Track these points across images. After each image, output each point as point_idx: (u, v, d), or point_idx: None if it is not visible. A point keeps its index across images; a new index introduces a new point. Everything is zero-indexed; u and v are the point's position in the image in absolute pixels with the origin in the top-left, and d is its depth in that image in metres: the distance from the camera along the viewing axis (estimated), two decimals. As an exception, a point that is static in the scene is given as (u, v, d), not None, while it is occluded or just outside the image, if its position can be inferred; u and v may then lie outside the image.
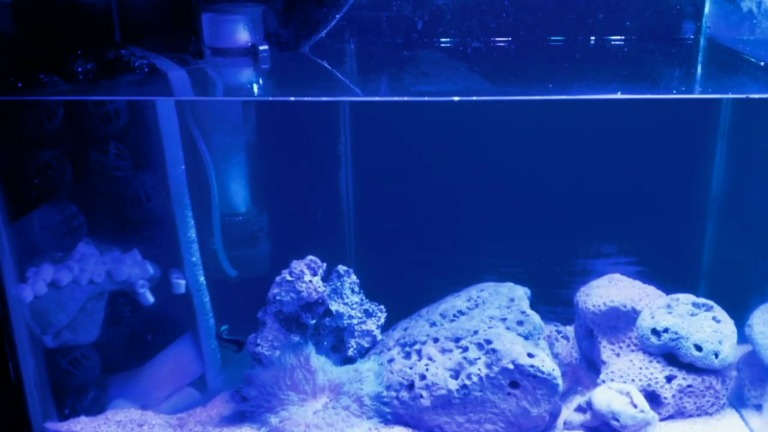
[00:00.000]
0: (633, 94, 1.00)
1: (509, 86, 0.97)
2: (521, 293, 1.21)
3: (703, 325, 1.16)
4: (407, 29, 0.91)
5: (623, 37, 1.15)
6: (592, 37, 1.13)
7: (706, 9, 1.33)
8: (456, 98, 0.90)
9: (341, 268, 1.24)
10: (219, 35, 1.18)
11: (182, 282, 1.20)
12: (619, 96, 0.90)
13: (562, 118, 1.15)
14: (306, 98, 1.06)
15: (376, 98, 1.08)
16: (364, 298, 1.24)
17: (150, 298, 1.18)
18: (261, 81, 1.16)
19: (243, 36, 1.18)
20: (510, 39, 1.01)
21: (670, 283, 1.25)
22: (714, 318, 1.17)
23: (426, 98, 0.99)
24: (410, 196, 1.30)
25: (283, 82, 1.18)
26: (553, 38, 1.09)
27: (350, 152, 1.31)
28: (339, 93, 1.09)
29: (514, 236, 1.32)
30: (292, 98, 1.08)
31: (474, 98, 0.92)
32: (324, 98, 1.08)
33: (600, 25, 1.12)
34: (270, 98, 1.17)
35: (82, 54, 1.11)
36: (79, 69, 1.09)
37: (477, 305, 1.22)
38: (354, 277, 1.24)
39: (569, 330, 1.30)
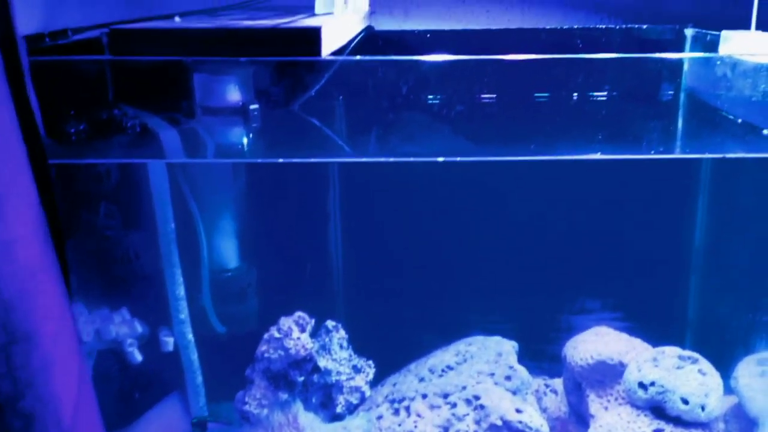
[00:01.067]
0: (613, 154, 1.02)
1: (492, 147, 1.00)
2: (509, 348, 1.22)
3: (689, 378, 1.16)
4: (392, 93, 0.94)
5: (605, 94, 1.19)
6: (575, 94, 1.16)
7: (685, 66, 1.37)
8: (440, 159, 0.93)
9: (330, 323, 1.24)
10: (210, 95, 1.20)
11: (170, 340, 1.20)
12: (598, 156, 0.93)
13: (546, 177, 1.18)
14: (293, 159, 1.08)
15: (362, 159, 1.11)
16: (352, 353, 1.24)
17: (138, 357, 1.18)
18: (251, 140, 1.18)
19: (234, 95, 1.20)
20: (494, 97, 1.04)
21: (657, 336, 1.26)
22: (700, 371, 1.17)
23: (411, 159, 1.02)
24: (398, 253, 1.32)
25: (272, 141, 1.20)
26: (537, 95, 1.11)
27: (339, 209, 1.33)
28: (327, 153, 1.11)
29: (501, 292, 1.33)
30: (280, 160, 1.10)
31: (458, 159, 0.94)
32: (311, 159, 1.10)
33: (583, 82, 1.15)
34: (259, 160, 1.19)
35: (74, 115, 1.13)
36: (72, 130, 1.10)
37: (465, 360, 1.23)
38: (343, 333, 1.25)
39: (558, 383, 1.31)
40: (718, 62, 1.18)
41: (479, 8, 1.63)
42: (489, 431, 1.09)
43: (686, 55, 1.27)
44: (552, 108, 1.11)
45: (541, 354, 1.31)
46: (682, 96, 1.28)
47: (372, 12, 1.50)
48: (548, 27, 1.39)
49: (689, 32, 1.36)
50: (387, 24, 1.63)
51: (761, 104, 1.04)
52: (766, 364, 1.07)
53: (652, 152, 1.02)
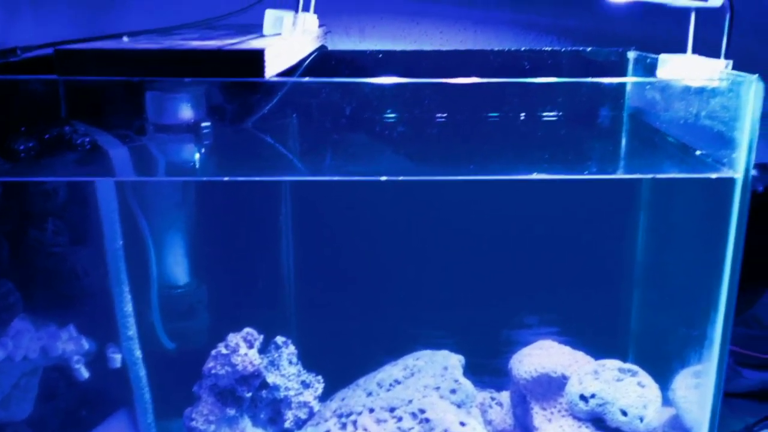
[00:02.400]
0: (553, 175, 1.06)
1: (434, 167, 1.03)
2: (455, 361, 1.24)
3: (628, 391, 1.20)
4: (336, 114, 0.96)
5: (550, 115, 1.22)
6: (520, 116, 1.20)
7: (627, 89, 1.42)
8: (383, 178, 0.95)
9: (279, 339, 1.25)
10: (162, 112, 1.21)
11: (118, 356, 1.20)
12: (534, 177, 0.96)
13: (489, 196, 1.21)
14: (240, 178, 1.10)
15: (308, 178, 1.13)
16: (301, 369, 1.26)
17: (85, 374, 1.18)
18: (202, 158, 1.19)
19: (186, 113, 1.20)
20: (439, 119, 1.07)
21: (599, 349, 1.30)
22: (639, 383, 1.21)
23: (355, 178, 1.04)
24: (348, 270, 1.34)
25: (223, 159, 1.21)
26: (482, 117, 1.15)
27: (291, 225, 1.35)
28: (277, 171, 1.13)
29: (450, 308, 1.36)
30: (226, 178, 1.12)
31: (400, 178, 0.97)
32: (256, 178, 1.12)
33: (528, 105, 1.19)
34: (206, 179, 1.21)
35: (25, 131, 1.13)
36: (21, 147, 1.11)
37: (413, 374, 1.25)
38: (292, 348, 1.26)
39: (504, 396, 1.34)
40: (655, 85, 1.23)
41: (433, 29, 1.68)
42: (434, 444, 1.11)
43: (625, 79, 1.32)
44: (496, 130, 1.14)
45: (489, 368, 1.34)
46: (624, 117, 1.33)
47: (327, 32, 1.53)
48: (497, 49, 1.43)
49: (631, 55, 1.41)
50: (343, 44, 1.66)
51: (693, 125, 1.09)
52: (701, 376, 1.11)
53: (586, 173, 1.06)
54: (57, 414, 1.19)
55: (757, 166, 1.53)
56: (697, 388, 1.12)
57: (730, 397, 1.53)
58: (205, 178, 1.21)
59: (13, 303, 1.12)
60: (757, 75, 0.93)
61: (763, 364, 1.52)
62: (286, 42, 1.08)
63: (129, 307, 1.19)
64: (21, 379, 1.14)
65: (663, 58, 1.20)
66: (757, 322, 1.57)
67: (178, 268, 1.30)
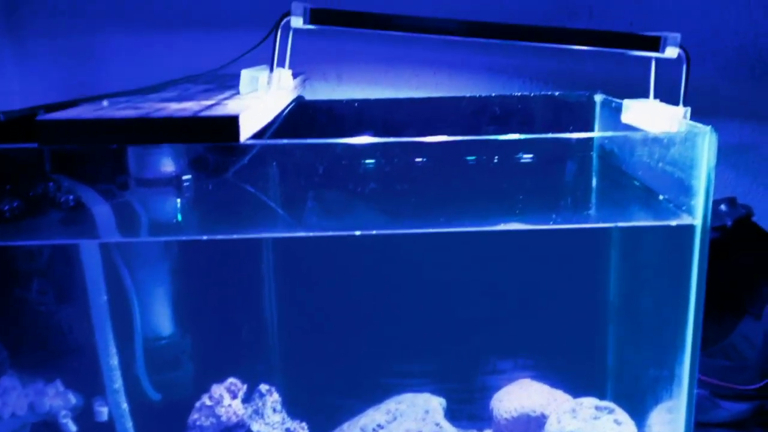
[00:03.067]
0: (520, 224, 1.10)
1: (407, 221, 1.06)
2: (436, 404, 1.27)
3: (605, 428, 1.23)
4: (310, 173, 1.00)
5: (528, 160, 1.26)
6: (496, 157, 1.23)
7: (596, 129, 1.47)
8: (357, 233, 0.99)
9: (263, 387, 1.28)
10: (143, 166, 1.23)
11: (105, 410, 1.22)
12: (503, 228, 1.00)
13: (463, 246, 1.25)
14: (219, 236, 1.13)
15: (279, 235, 1.16)
16: (286, 416, 1.28)
17: (72, 428, 1.20)
18: (183, 212, 1.22)
19: (167, 167, 1.23)
20: (409, 176, 1.10)
21: (578, 387, 1.33)
22: (615, 420, 1.24)
23: (330, 233, 1.08)
24: (330, 319, 1.37)
25: (204, 212, 1.24)
26: (451, 174, 1.18)
27: (273, 277, 1.38)
28: (254, 227, 1.16)
29: (431, 353, 1.39)
30: (204, 237, 1.15)
31: (374, 232, 1.00)
32: (235, 236, 1.15)
33: (494, 160, 1.22)
34: (186, 238, 1.24)
35: (9, 190, 1.16)
36: (6, 207, 1.13)
37: (395, 418, 1.27)
38: (276, 396, 1.28)
39: (486, 436, 1.36)
40: (623, 134, 1.28)
41: (409, 72, 1.73)
42: (416, 488, 1.13)
43: (589, 134, 1.36)
44: (465, 185, 1.18)
45: (469, 411, 1.37)
46: (594, 158, 1.37)
47: (306, 79, 1.57)
48: (469, 95, 1.48)
49: (598, 98, 1.46)
50: (321, 89, 1.71)
51: (656, 171, 1.13)
52: (673, 412, 1.14)
53: (552, 223, 1.10)
54: (45, 470, 1.20)
55: (726, 201, 1.58)
56: (670, 423, 1.14)
57: (709, 428, 1.56)
58: (186, 238, 1.24)
59: (1, 362, 1.14)
60: (710, 127, 0.97)
61: (740, 395, 1.55)
62: (262, 101, 1.12)
63: (115, 361, 1.22)
64: (8, 436, 1.16)
65: (626, 103, 1.25)
66: (735, 351, 1.60)
67: (162, 320, 1.32)
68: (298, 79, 1.45)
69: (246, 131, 0.98)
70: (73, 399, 1.20)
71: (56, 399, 1.19)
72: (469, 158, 1.04)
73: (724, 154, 0.97)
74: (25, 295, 1.15)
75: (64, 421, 1.19)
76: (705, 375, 1.55)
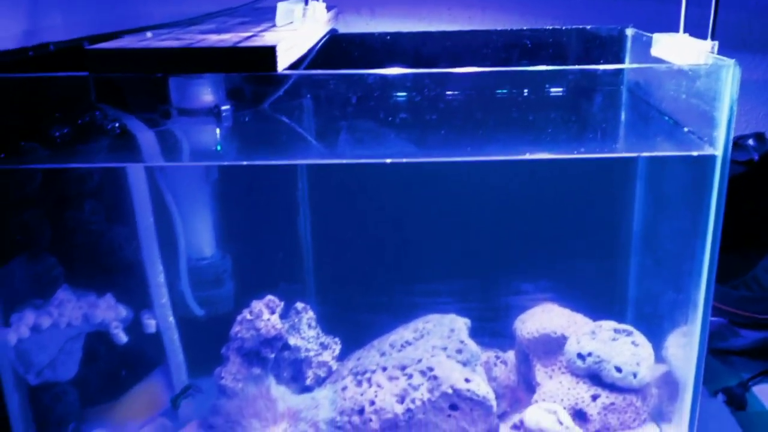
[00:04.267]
0: (548, 154, 1.14)
1: (436, 149, 1.11)
2: (461, 324, 1.34)
3: (622, 349, 1.29)
4: (343, 103, 1.05)
5: (558, 92, 1.29)
6: (525, 89, 1.27)
7: (626, 70, 1.47)
8: (388, 160, 1.04)
9: (299, 305, 1.36)
10: (184, 97, 1.29)
11: (153, 322, 1.31)
12: (531, 157, 1.04)
13: (491, 173, 1.30)
14: (260, 162, 1.19)
15: (316, 161, 1.21)
16: (320, 332, 1.36)
17: (123, 338, 1.30)
18: (223, 140, 1.28)
19: (207, 97, 1.28)
20: (440, 106, 1.14)
21: (600, 312, 1.38)
22: (633, 342, 1.30)
23: (362, 161, 1.13)
24: (362, 242, 1.43)
25: (243, 140, 1.30)
26: (482, 103, 1.21)
27: (308, 201, 1.44)
28: (291, 153, 1.21)
29: (459, 275, 1.45)
30: (245, 163, 1.21)
31: (404, 160, 1.05)
32: (274, 161, 1.21)
33: (522, 91, 1.25)
34: (227, 163, 1.30)
35: (59, 118, 1.22)
36: (56, 134, 1.20)
37: (422, 336, 1.35)
38: (311, 314, 1.37)
39: (509, 356, 1.43)
40: (651, 66, 1.29)
41: (442, 6, 1.73)
42: (441, 399, 1.21)
43: (620, 66, 1.37)
44: (494, 115, 1.21)
45: (494, 330, 1.44)
46: (623, 92, 1.39)
47: (339, 13, 1.60)
48: (500, 29, 1.49)
49: (630, 32, 1.47)
50: (354, 23, 1.72)
51: (682, 104, 1.15)
52: (689, 335, 1.19)
53: (576, 153, 1.13)
54: (99, 375, 1.30)
55: (753, 136, 1.59)
56: (685, 346, 1.20)
57: (728, 355, 1.61)
58: (226, 163, 1.30)
59: (56, 276, 1.23)
60: (734, 60, 0.99)
61: (759, 323, 1.59)
62: (297, 32, 1.16)
63: (161, 278, 1.30)
64: (66, 344, 1.25)
65: (656, 37, 1.26)
66: (757, 283, 1.64)
67: (204, 241, 1.40)
68: (332, 12, 1.48)
69: (283, 62, 1.02)
70: (123, 311, 1.30)
71: (108, 311, 1.28)
72: (498, 89, 1.07)
73: (753, 90, 0.99)
74: (78, 216, 1.23)
75: (116, 331, 1.29)
76: (725, 304, 1.60)
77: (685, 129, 1.16)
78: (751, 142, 1.56)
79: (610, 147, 1.25)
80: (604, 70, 1.12)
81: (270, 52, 0.97)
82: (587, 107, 1.30)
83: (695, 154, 1.08)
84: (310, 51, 1.27)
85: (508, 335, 1.43)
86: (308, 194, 1.43)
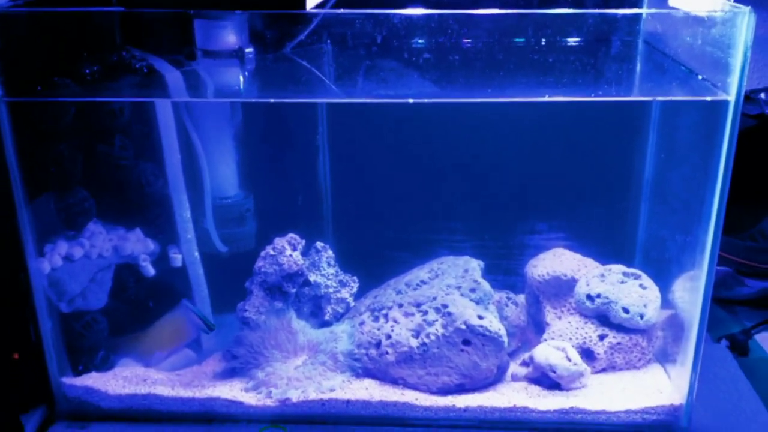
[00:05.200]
0: (562, 96, 1.17)
1: (455, 90, 1.14)
2: (474, 265, 1.38)
3: (630, 292, 1.34)
4: (369, 42, 1.08)
5: (576, 39, 1.32)
6: (540, 44, 1.29)
7: (643, 17, 1.49)
8: (411, 100, 1.07)
9: (319, 244, 1.41)
10: (209, 39, 1.32)
11: (179, 256, 1.37)
12: (546, 99, 1.07)
13: (505, 114, 1.33)
14: (283, 100, 1.22)
15: (339, 100, 1.24)
16: (339, 270, 1.41)
17: (151, 271, 1.35)
18: (246, 81, 1.31)
19: (230, 39, 1.32)
20: (461, 47, 1.17)
21: (609, 256, 1.43)
22: (641, 285, 1.35)
23: (386, 100, 1.16)
24: (379, 183, 1.47)
25: (265, 81, 1.34)
26: (503, 46, 1.24)
27: (327, 143, 1.48)
28: (308, 95, 1.25)
29: (473, 216, 1.49)
30: (272, 100, 1.24)
31: (425, 100, 1.08)
32: (297, 99, 1.24)
33: (547, 34, 1.28)
34: (252, 100, 1.33)
35: (87, 57, 1.26)
36: (87, 71, 1.24)
37: (437, 275, 1.40)
38: (330, 252, 1.42)
39: (520, 298, 1.48)
40: (666, 15, 1.32)
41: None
42: (454, 334, 1.26)
43: (637, 10, 1.39)
44: (516, 55, 1.24)
45: (508, 272, 1.48)
46: (639, 43, 1.41)
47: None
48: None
49: (648, -19, 1.48)
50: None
51: (697, 52, 1.18)
52: (695, 280, 1.23)
53: (593, 95, 1.17)
54: (127, 305, 1.36)
55: (765, 90, 1.61)
56: (691, 290, 1.24)
57: (732, 304, 1.66)
58: (249, 100, 1.33)
59: (88, 208, 1.28)
60: (749, 8, 1.01)
61: (764, 273, 1.63)
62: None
63: (187, 213, 1.35)
64: (96, 274, 1.31)
65: (675, -14, 1.28)
66: (763, 236, 1.68)
67: (227, 180, 1.44)
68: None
69: (311, 1, 1.06)
70: (151, 245, 1.35)
71: (137, 244, 1.33)
72: (519, 32, 1.10)
73: (767, 46, 1.01)
74: (109, 151, 1.27)
75: (144, 264, 1.34)
76: (731, 254, 1.64)
77: (700, 77, 1.19)
78: (762, 96, 1.59)
79: (626, 92, 1.27)
80: (623, 15, 1.14)
81: (299, -9, 1.00)
82: (604, 54, 1.33)
83: (709, 99, 1.11)
84: (332, -5, 1.30)
85: (519, 275, 1.48)
86: (328, 135, 1.47)
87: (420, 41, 1.08)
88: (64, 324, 1.29)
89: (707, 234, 1.16)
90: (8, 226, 1.19)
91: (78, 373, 1.31)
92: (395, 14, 1.05)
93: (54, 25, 1.20)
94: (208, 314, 1.39)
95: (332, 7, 1.23)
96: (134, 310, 1.37)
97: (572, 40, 1.30)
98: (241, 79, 1.32)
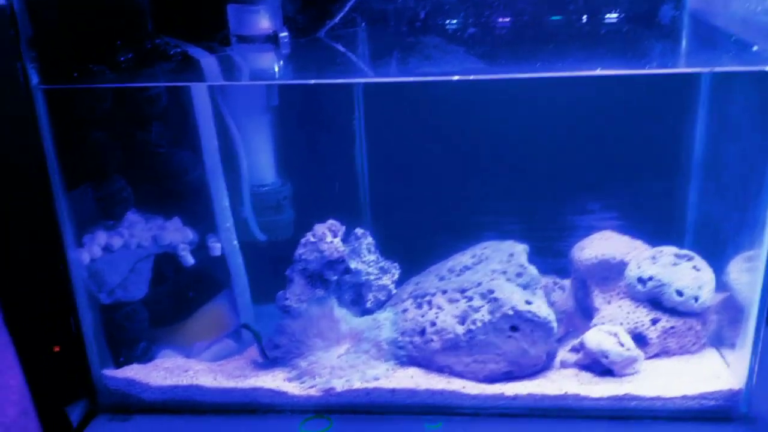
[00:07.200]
0: (614, 69, 1.12)
1: (500, 66, 1.10)
2: (520, 249, 1.34)
3: (684, 274, 1.29)
4: (411, 18, 1.04)
5: (615, 15, 1.27)
6: (584, 17, 1.25)
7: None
8: (455, 77, 1.03)
9: (359, 230, 1.38)
10: (243, 24, 1.30)
11: (218, 245, 1.35)
12: (599, 72, 1.02)
13: (553, 92, 1.28)
14: (323, 80, 1.19)
15: (384, 79, 1.21)
16: (379, 257, 1.38)
17: (190, 260, 1.33)
18: (282, 65, 1.29)
19: (264, 24, 1.29)
20: (506, 21, 1.13)
21: (658, 238, 1.38)
22: (694, 267, 1.30)
23: (428, 78, 1.12)
24: (418, 166, 1.44)
25: (302, 66, 1.31)
26: (547, 18, 1.20)
27: (364, 127, 1.45)
28: (352, 75, 1.22)
29: (515, 198, 1.45)
30: (312, 81, 1.21)
31: (470, 77, 1.04)
32: (338, 80, 1.21)
33: (590, 6, 1.24)
34: (290, 81, 1.30)
35: (122, 45, 1.24)
36: (122, 59, 1.22)
37: (481, 261, 1.36)
38: (370, 239, 1.38)
39: (566, 282, 1.44)
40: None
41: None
42: (501, 320, 1.23)
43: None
44: (559, 30, 1.20)
45: (552, 256, 1.44)
46: (685, 16, 1.36)
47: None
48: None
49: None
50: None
51: (750, 21, 1.13)
52: (753, 260, 1.18)
53: (647, 67, 1.12)
54: (168, 295, 1.34)
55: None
56: (749, 271, 1.19)
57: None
58: (289, 82, 1.31)
59: (126, 197, 1.26)
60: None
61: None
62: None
63: (226, 202, 1.33)
64: (136, 265, 1.29)
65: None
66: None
67: (265, 167, 1.42)
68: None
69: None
70: (190, 234, 1.33)
71: (176, 233, 1.31)
72: (561, 5, 1.06)
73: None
74: (146, 138, 1.26)
75: (183, 253, 1.32)
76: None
77: (755, 47, 1.13)
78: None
79: (677, 63, 1.23)
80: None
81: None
82: (650, 29, 1.28)
83: (767, 68, 1.06)
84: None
85: (563, 257, 1.43)
86: (365, 118, 1.43)
87: (465, 15, 1.04)
88: (105, 315, 1.28)
89: (766, 211, 1.11)
90: (47, 216, 1.18)
91: (119, 365, 1.30)
92: (439, -13, 1.01)
93: (87, 13, 1.18)
94: (247, 304, 1.37)
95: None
96: (174, 300, 1.35)
97: (617, 14, 1.25)
98: (276, 63, 1.29)
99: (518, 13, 1.05)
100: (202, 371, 1.29)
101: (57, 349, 1.24)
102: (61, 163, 1.17)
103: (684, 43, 1.35)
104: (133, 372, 1.28)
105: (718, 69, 1.14)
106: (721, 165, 1.33)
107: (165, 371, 1.29)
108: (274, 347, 1.30)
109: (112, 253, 1.26)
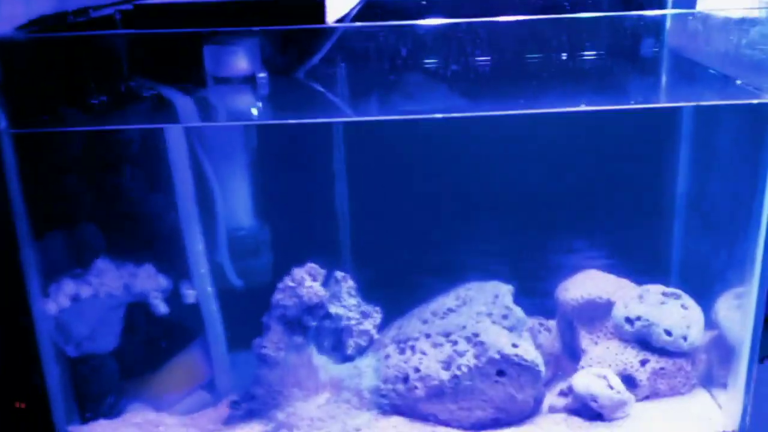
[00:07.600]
0: (596, 106, 1.11)
1: (483, 103, 1.08)
2: (505, 290, 1.31)
3: (672, 312, 1.26)
4: (392, 55, 1.02)
5: (593, 52, 1.26)
6: (564, 53, 1.24)
7: (667, 24, 1.44)
8: (438, 115, 1.01)
9: (339, 274, 1.33)
10: (220, 65, 1.27)
11: (192, 292, 1.29)
12: (583, 108, 1.01)
13: (534, 129, 1.27)
14: (302, 120, 1.17)
15: (365, 118, 1.19)
16: (360, 301, 1.34)
17: (163, 308, 1.28)
18: (260, 106, 1.26)
19: (242, 65, 1.26)
20: (487, 58, 1.11)
21: (643, 276, 1.36)
22: (682, 305, 1.27)
23: (410, 116, 1.10)
24: (400, 207, 1.41)
25: (280, 107, 1.28)
26: (527, 55, 1.19)
27: (345, 168, 1.42)
28: (331, 114, 1.19)
29: (498, 237, 1.42)
30: (291, 121, 1.18)
31: (453, 115, 1.02)
32: (318, 120, 1.19)
33: (570, 41, 1.23)
34: (268, 122, 1.28)
35: (95, 87, 1.20)
36: (95, 101, 1.18)
37: (465, 303, 1.32)
38: (351, 282, 1.34)
39: (552, 323, 1.41)
40: (695, 17, 1.26)
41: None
42: (488, 365, 1.19)
43: (665, 12, 1.34)
44: (541, 66, 1.19)
45: (537, 296, 1.41)
46: (664, 52, 1.36)
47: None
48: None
49: (672, -12, 1.44)
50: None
51: (733, 56, 1.12)
52: (743, 297, 1.16)
53: (632, 102, 1.11)
54: (139, 345, 1.28)
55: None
56: (738, 308, 1.17)
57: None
58: (267, 122, 1.28)
59: (96, 244, 1.21)
60: (795, 2, 0.96)
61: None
62: (338, -10, 1.13)
63: (200, 247, 1.28)
64: (106, 315, 1.24)
65: (703, -10, 1.23)
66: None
67: (242, 210, 1.38)
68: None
69: (330, 16, 1.00)
70: (162, 281, 1.28)
71: (148, 281, 1.26)
72: (541, 41, 1.04)
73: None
74: (118, 182, 1.21)
75: (155, 301, 1.27)
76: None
77: (738, 81, 1.13)
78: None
79: (659, 98, 1.22)
80: (651, 17, 1.09)
81: (319, 5, 0.95)
82: (630, 64, 1.27)
83: (755, 102, 1.05)
84: (348, 13, 1.25)
85: (549, 298, 1.40)
86: (345, 159, 1.40)
87: (447, 53, 1.02)
88: (72, 369, 1.22)
89: (756, 247, 1.09)
90: (11, 266, 1.12)
91: (86, 421, 1.23)
92: (420, 25, 0.99)
93: (59, 55, 1.15)
94: (222, 353, 1.31)
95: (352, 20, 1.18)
96: (145, 350, 1.29)
97: (596, 50, 1.24)
98: (254, 104, 1.26)
99: (501, 51, 1.03)
100: (174, 426, 1.23)
101: (22, 405, 1.17)
102: (28, 210, 1.12)
103: (664, 77, 1.35)
104: (101, 428, 1.22)
105: (704, 103, 1.13)
106: (706, 201, 1.32)
107: (134, 426, 1.22)
108: (250, 398, 1.25)
109: (81, 302, 1.20)
